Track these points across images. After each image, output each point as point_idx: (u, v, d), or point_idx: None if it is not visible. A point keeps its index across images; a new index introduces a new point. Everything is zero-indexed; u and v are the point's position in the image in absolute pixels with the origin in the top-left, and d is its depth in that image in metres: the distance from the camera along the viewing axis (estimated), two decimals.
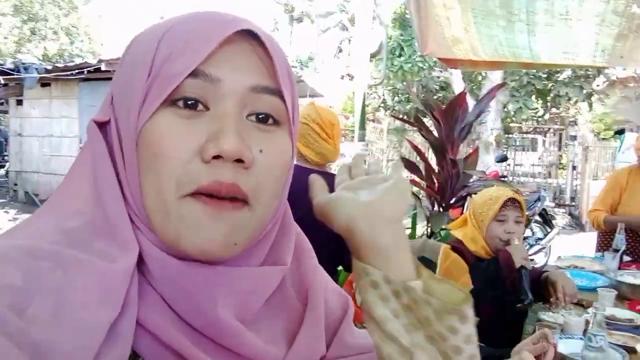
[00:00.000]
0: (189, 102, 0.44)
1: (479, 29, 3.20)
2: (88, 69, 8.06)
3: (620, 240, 2.69)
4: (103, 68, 7.81)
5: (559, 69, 10.58)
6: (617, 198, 3.04)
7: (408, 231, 3.22)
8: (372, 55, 3.25)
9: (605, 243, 3.06)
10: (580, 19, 2.73)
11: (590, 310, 1.90)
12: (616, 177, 3.15)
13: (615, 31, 2.75)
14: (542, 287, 1.89)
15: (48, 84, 9.14)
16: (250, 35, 0.46)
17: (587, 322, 1.69)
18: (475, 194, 3.35)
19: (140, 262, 0.44)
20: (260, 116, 0.47)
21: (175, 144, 0.43)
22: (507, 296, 1.78)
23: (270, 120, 0.47)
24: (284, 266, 0.51)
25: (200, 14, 0.47)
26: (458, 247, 1.85)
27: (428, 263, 1.24)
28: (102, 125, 0.49)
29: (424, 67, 10.58)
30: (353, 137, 3.70)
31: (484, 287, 1.70)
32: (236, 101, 0.45)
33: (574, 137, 10.92)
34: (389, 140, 13.24)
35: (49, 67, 9.00)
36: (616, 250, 2.62)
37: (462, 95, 3.23)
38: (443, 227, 3.06)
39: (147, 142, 0.44)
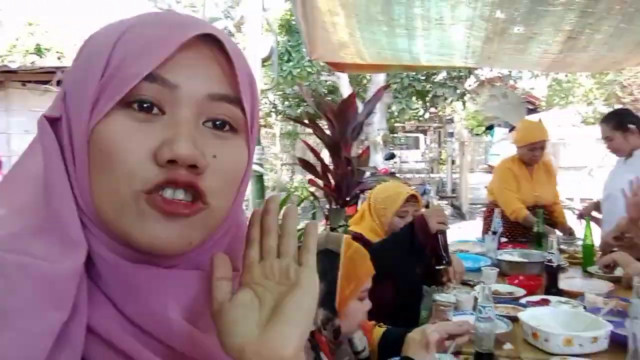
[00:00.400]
0: (144, 105, 0.44)
1: (363, 34, 3.36)
2: None
3: (497, 223, 2.99)
4: None
5: (435, 71, 11.40)
6: (517, 187, 3.28)
7: None
8: (263, 60, 3.27)
9: (488, 227, 3.38)
10: (453, 24, 2.97)
11: (477, 287, 2.10)
12: (508, 168, 3.35)
13: (483, 34, 3.02)
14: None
15: None
16: (211, 41, 0.46)
17: (475, 299, 1.86)
18: (369, 189, 3.54)
19: (88, 264, 0.43)
20: (216, 123, 0.47)
21: (129, 145, 0.43)
22: (426, 260, 1.92)
23: (227, 127, 0.47)
24: (236, 272, 0.50)
25: (160, 16, 0.48)
26: (358, 238, 1.94)
27: (331, 254, 1.28)
28: (53, 122, 0.47)
29: (312, 71, 10.83)
30: None
31: (401, 256, 1.80)
32: (193, 108, 0.45)
33: (451, 134, 11.85)
34: (281, 144, 13.34)
35: None
36: (494, 233, 2.91)
37: (352, 96, 3.38)
38: (341, 223, 3.16)
39: (99, 141, 0.43)
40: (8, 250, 0.40)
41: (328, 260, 1.27)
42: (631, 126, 2.85)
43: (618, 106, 12.92)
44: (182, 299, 0.46)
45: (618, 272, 2.30)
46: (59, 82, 6.45)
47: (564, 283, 2.21)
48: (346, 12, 3.09)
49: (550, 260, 2.14)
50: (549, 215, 3.33)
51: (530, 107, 20.99)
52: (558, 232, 3.22)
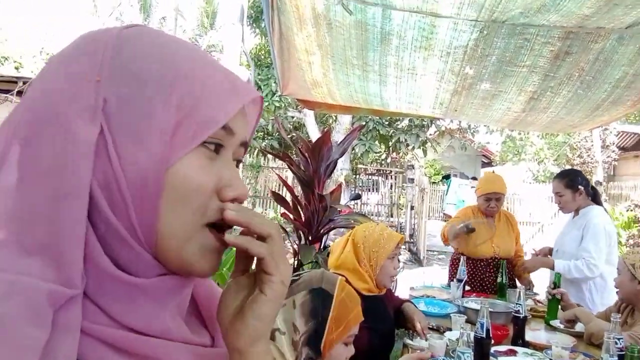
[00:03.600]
0: (212, 146, 0.49)
1: (337, 75, 3.44)
2: None
3: (462, 272, 3.06)
4: None
5: (399, 118, 11.73)
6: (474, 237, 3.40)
7: None
8: None
9: (453, 275, 3.45)
10: (424, 75, 3.08)
11: (448, 334, 2.12)
12: (465, 212, 3.61)
13: (452, 87, 3.15)
14: (400, 317, 2.07)
15: None
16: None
17: (446, 344, 1.89)
18: (340, 228, 3.54)
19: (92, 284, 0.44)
20: (237, 162, 0.55)
21: (202, 182, 0.48)
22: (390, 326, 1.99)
23: (236, 163, 0.55)
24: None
25: (215, 64, 0.52)
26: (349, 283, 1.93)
27: (325, 295, 1.27)
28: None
29: (280, 106, 10.93)
30: None
31: (374, 320, 1.80)
32: (233, 151, 0.53)
33: (411, 180, 12.07)
34: (244, 176, 13.25)
35: None
36: (460, 281, 2.97)
37: (327, 134, 3.42)
38: (310, 260, 3.14)
39: (179, 176, 0.46)
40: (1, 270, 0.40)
41: (321, 300, 1.26)
42: (580, 187, 3.06)
43: (568, 166, 13.61)
44: (179, 304, 0.52)
45: (578, 327, 2.36)
46: (19, 93, 6.25)
47: (529, 335, 2.26)
48: (322, 52, 3.16)
49: (517, 311, 2.18)
50: (511, 267, 3.42)
51: (485, 160, 21.78)
52: (519, 284, 3.32)
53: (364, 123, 11.30)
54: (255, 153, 12.85)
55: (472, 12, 2.44)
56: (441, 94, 3.31)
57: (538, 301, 3.08)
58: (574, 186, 3.08)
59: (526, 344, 2.14)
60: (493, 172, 3.86)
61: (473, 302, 2.66)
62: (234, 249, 0.51)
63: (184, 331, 0.50)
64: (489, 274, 3.33)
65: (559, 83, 2.90)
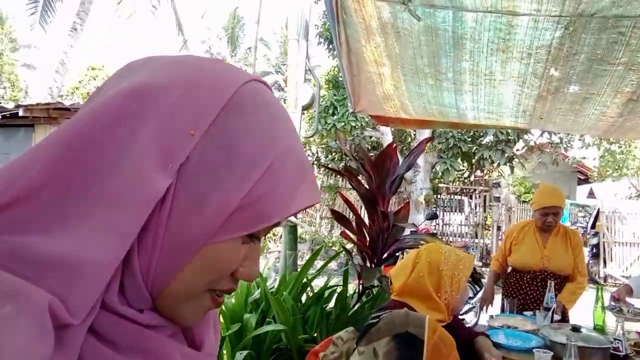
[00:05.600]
0: (252, 235, 0.49)
1: (409, 87, 3.27)
2: (4, 113, 7.55)
3: (550, 298, 2.71)
4: (21, 114, 7.32)
5: (482, 133, 11.21)
6: (508, 248, 3.35)
7: (339, 288, 3.09)
8: (305, 108, 3.21)
9: (508, 294, 3.23)
10: (503, 80, 2.84)
11: None
12: (512, 230, 3.45)
13: (535, 93, 2.88)
14: (472, 355, 1.81)
15: None
16: None
17: None
18: (408, 249, 3.33)
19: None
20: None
21: (231, 265, 0.48)
22: None
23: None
24: None
25: (299, 156, 0.50)
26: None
27: (413, 340, 1.08)
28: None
29: (357, 126, 10.85)
30: None
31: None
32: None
33: (497, 199, 11.44)
34: (322, 198, 13.27)
35: None
36: (547, 309, 2.62)
37: (391, 147, 3.23)
38: (375, 284, 2.95)
39: (215, 254, 0.46)
40: (12, 271, 0.38)
41: (408, 347, 1.07)
42: None
43: None
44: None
45: None
46: None
47: None
48: (392, 63, 3.03)
49: (617, 349, 1.83)
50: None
51: (582, 177, 20.26)
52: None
53: (443, 140, 10.91)
54: (333, 174, 12.84)
55: (554, 7, 2.20)
56: (524, 101, 3.03)
57: None
58: None
59: None
60: (549, 184, 3.52)
61: (562, 336, 2.26)
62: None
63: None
64: (534, 288, 3.11)
65: None
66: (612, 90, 2.69)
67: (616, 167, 16.21)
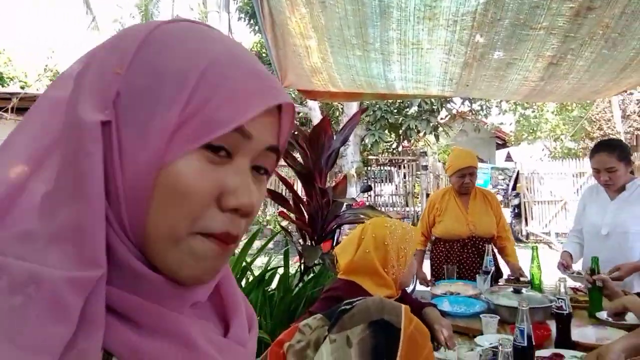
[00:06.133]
0: (219, 150, 0.45)
1: (336, 59, 3.19)
2: None
3: (489, 261, 2.77)
4: None
5: (408, 104, 11.43)
6: (431, 220, 3.31)
7: (281, 269, 3.01)
8: None
9: (436, 271, 3.21)
10: (430, 48, 2.82)
11: (477, 338, 1.86)
12: (432, 198, 3.42)
13: (462, 60, 2.89)
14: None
15: None
16: None
17: (479, 355, 1.62)
18: (347, 224, 3.29)
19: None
20: (259, 169, 0.50)
21: (200, 187, 0.44)
22: None
23: (262, 171, 0.51)
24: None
25: (244, 60, 0.48)
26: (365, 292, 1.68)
27: (390, 328, 1.01)
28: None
29: None
30: None
31: None
32: (253, 156, 0.48)
33: (425, 167, 11.78)
34: None
35: None
36: (486, 272, 2.68)
37: (325, 121, 3.14)
38: (317, 262, 2.90)
39: (172, 177, 0.43)
40: (22, 258, 0.39)
41: (385, 335, 1.00)
42: (631, 158, 2.70)
43: (588, 141, 13.19)
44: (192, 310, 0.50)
45: (630, 318, 2.02)
46: (13, 109, 6.13)
47: (574, 333, 1.92)
48: (318, 35, 2.93)
49: (560, 307, 1.87)
50: (500, 252, 3.22)
51: (500, 142, 21.37)
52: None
53: (370, 113, 11.02)
54: None
55: None
56: (450, 68, 3.05)
57: (577, 289, 2.75)
58: (627, 158, 2.66)
59: (574, 346, 1.83)
60: (461, 148, 3.60)
61: (506, 298, 2.31)
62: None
63: (206, 314, 0.51)
64: (467, 255, 3.12)
65: (581, 44, 2.63)
66: (534, 54, 2.75)
67: (530, 131, 17.22)
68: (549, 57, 2.77)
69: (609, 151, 2.67)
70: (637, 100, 12.95)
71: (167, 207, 0.44)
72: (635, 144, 11.44)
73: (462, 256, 3.13)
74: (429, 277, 3.30)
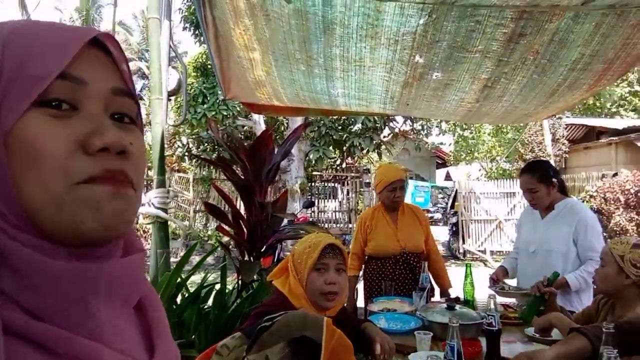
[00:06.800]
0: (56, 103, 0.45)
1: (280, 73, 3.18)
2: None
3: (425, 278, 2.80)
4: None
5: (352, 121, 11.60)
6: (364, 238, 3.29)
7: (218, 285, 2.92)
8: (171, 94, 2.96)
9: (376, 289, 3.20)
10: (372, 66, 2.87)
11: (411, 356, 1.86)
12: (362, 217, 3.41)
13: (402, 79, 2.95)
14: (362, 340, 1.79)
15: None
16: (98, 44, 0.50)
17: None
18: (286, 239, 3.25)
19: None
20: (117, 116, 0.50)
21: (52, 141, 0.44)
22: None
23: (127, 119, 0.51)
24: (143, 251, 0.53)
25: (45, 23, 0.48)
26: (278, 304, 1.62)
27: (311, 344, 0.96)
28: None
29: (228, 115, 10.56)
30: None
31: None
32: (101, 102, 0.48)
33: (367, 184, 11.94)
34: (195, 190, 12.76)
35: None
36: (422, 289, 2.71)
37: (266, 134, 3.10)
38: (255, 278, 2.83)
39: (20, 142, 0.43)
40: None
41: (307, 352, 0.96)
42: (554, 180, 2.84)
43: (521, 163, 13.86)
44: (115, 291, 0.48)
45: (555, 334, 2.11)
46: None
47: (504, 349, 1.97)
48: (262, 47, 2.91)
49: (490, 324, 1.91)
50: (430, 271, 3.24)
51: (439, 161, 22.08)
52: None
53: (315, 128, 11.09)
54: (206, 165, 12.41)
55: None
56: (391, 87, 3.11)
57: (508, 306, 2.83)
58: (548, 179, 2.82)
59: None
60: (388, 162, 3.68)
61: (439, 315, 2.34)
62: None
63: (128, 336, 0.49)
64: (399, 272, 3.14)
65: (513, 68, 2.75)
66: (470, 76, 2.86)
67: (468, 152, 17.89)
68: (484, 80, 2.89)
69: (530, 173, 2.86)
70: (565, 124, 13.78)
71: (30, 171, 0.44)
72: (564, 166, 12.13)
73: (394, 273, 3.13)
74: (361, 295, 3.30)
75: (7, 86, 0.44)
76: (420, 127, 14.35)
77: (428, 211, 13.94)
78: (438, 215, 16.64)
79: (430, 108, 3.54)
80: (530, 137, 13.74)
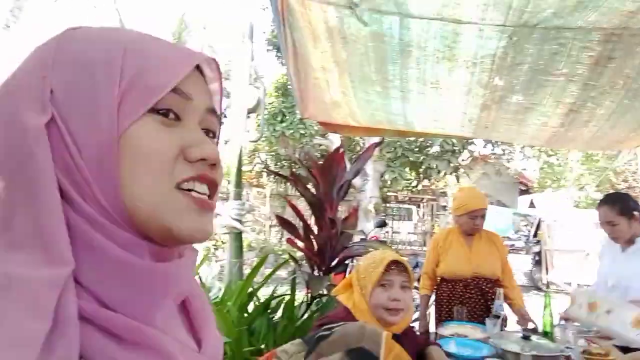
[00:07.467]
0: (167, 112, 0.50)
1: (357, 94, 3.24)
2: None
3: (499, 305, 2.70)
4: None
5: (429, 143, 11.43)
6: (436, 259, 3.22)
7: (287, 297, 2.99)
8: (250, 111, 3.11)
9: (445, 312, 3.10)
10: (449, 88, 2.85)
11: None
12: (435, 239, 3.35)
13: (480, 101, 2.90)
14: None
15: None
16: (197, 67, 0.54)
17: None
18: (357, 256, 3.26)
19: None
20: (207, 132, 0.55)
21: (161, 145, 0.48)
22: None
23: (211, 135, 0.56)
24: (195, 252, 0.56)
25: (156, 39, 0.53)
26: (342, 317, 1.64)
27: (367, 356, 0.97)
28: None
29: (306, 133, 10.80)
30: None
31: None
32: (198, 118, 0.53)
33: (444, 207, 11.67)
34: (272, 205, 13.12)
35: None
36: (497, 317, 2.61)
37: (338, 152, 3.16)
38: (324, 292, 2.87)
39: (132, 144, 0.47)
40: None
41: None
42: (636, 212, 2.68)
43: (612, 191, 12.95)
44: (177, 288, 0.52)
45: None
46: None
47: None
48: (339, 69, 2.98)
49: (568, 357, 1.80)
50: (506, 301, 3.06)
51: (523, 187, 21.09)
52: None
53: (391, 149, 11.04)
54: (283, 182, 12.73)
55: (498, 16, 2.22)
56: (469, 109, 3.06)
57: (591, 341, 2.65)
58: (629, 212, 2.67)
59: None
60: (470, 187, 3.53)
61: (515, 344, 2.23)
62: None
63: (178, 329, 0.52)
64: (469, 296, 3.02)
65: (601, 93, 2.62)
66: (554, 100, 2.75)
67: (554, 179, 16.98)
68: (569, 104, 2.77)
69: (609, 205, 2.72)
70: None
71: (136, 172, 0.47)
72: None
73: (464, 297, 3.04)
74: (433, 319, 3.23)
75: (126, 92, 0.48)
76: (501, 152, 13.85)
77: (509, 238, 13.34)
78: (520, 244, 15.87)
79: (510, 132, 3.44)
80: (624, 165, 12.82)
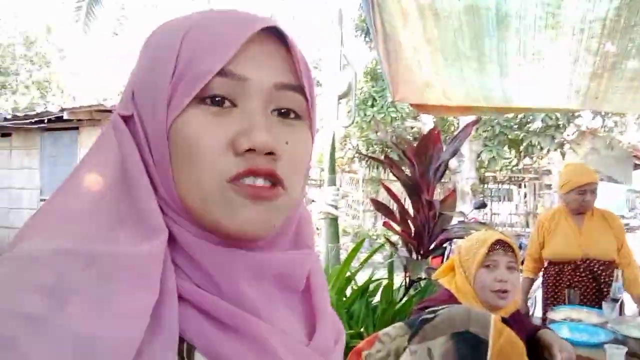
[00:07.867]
0: (217, 100, 0.46)
1: (450, 72, 3.12)
2: (49, 117, 7.77)
3: (618, 288, 2.50)
4: (65, 117, 7.51)
5: (529, 119, 10.77)
6: (541, 240, 3.02)
7: (385, 282, 2.99)
8: (341, 97, 3.12)
9: (552, 297, 2.91)
10: (552, 58, 2.66)
11: None
12: (540, 220, 3.14)
13: (590, 70, 2.68)
14: (536, 348, 1.66)
15: (9, 134, 8.75)
16: (270, 33, 0.49)
17: None
18: (456, 238, 3.18)
19: (170, 250, 0.45)
20: (282, 111, 0.49)
21: (207, 138, 0.45)
22: None
23: (292, 115, 0.50)
24: (309, 249, 0.55)
25: (222, 13, 0.50)
26: (445, 300, 1.61)
27: (477, 341, 0.94)
28: (126, 119, 0.50)
29: (397, 117, 10.65)
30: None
31: None
32: (262, 98, 0.47)
33: (549, 186, 10.98)
34: (365, 190, 13.14)
35: (8, 116, 8.53)
36: (615, 300, 2.42)
37: (434, 132, 3.07)
38: (422, 276, 2.84)
39: (179, 137, 0.46)
40: (96, 242, 0.42)
41: (471, 349, 0.94)
42: None
43: None
44: (260, 281, 0.49)
45: None
46: None
47: None
48: (431, 48, 2.89)
49: None
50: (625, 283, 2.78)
51: (638, 162, 19.23)
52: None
53: (488, 128, 10.55)
54: (375, 166, 12.67)
55: None
56: (576, 80, 2.83)
57: None
58: None
59: None
60: (576, 162, 3.21)
61: (636, 329, 2.07)
62: None
63: (289, 320, 0.50)
64: (579, 280, 2.79)
65: None
66: None
67: None
68: None
69: None
70: None
71: (184, 164, 0.46)
72: None
73: (573, 280, 2.82)
74: (540, 303, 3.06)
75: (176, 82, 0.46)
76: (613, 124, 12.71)
77: (623, 217, 12.29)
78: (636, 223, 14.54)
79: (625, 101, 3.14)
80: None
